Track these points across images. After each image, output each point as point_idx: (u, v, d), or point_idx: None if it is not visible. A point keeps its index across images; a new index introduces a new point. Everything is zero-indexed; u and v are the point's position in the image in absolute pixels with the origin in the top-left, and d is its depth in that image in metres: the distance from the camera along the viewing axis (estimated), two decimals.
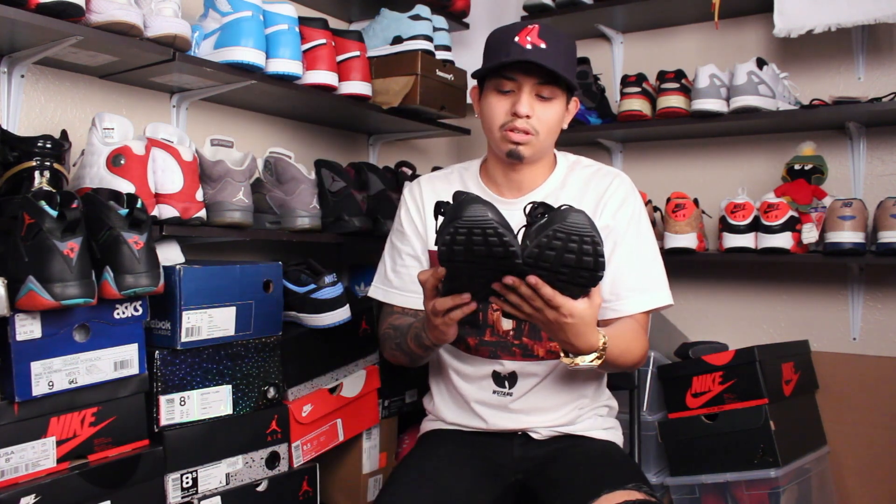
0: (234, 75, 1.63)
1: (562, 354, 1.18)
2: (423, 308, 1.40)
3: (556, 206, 1.37)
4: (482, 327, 1.37)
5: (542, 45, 1.27)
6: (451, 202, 1.06)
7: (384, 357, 1.48)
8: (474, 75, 1.37)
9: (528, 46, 1.27)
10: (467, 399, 1.41)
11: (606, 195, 1.38)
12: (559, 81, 1.30)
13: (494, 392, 1.39)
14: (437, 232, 1.08)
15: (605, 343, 1.16)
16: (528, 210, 1.11)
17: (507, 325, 1.37)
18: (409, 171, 2.16)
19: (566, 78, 1.28)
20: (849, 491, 2.09)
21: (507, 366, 1.38)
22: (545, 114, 1.32)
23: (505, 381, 1.39)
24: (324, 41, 1.79)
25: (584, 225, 1.01)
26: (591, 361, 1.16)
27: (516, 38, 1.28)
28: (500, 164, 1.40)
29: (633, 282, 1.34)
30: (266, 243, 2.06)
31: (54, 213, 1.14)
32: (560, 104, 1.33)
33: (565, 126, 1.39)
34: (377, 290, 1.48)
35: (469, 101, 2.15)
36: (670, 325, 2.26)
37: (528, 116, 1.30)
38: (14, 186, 1.33)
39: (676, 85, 2.17)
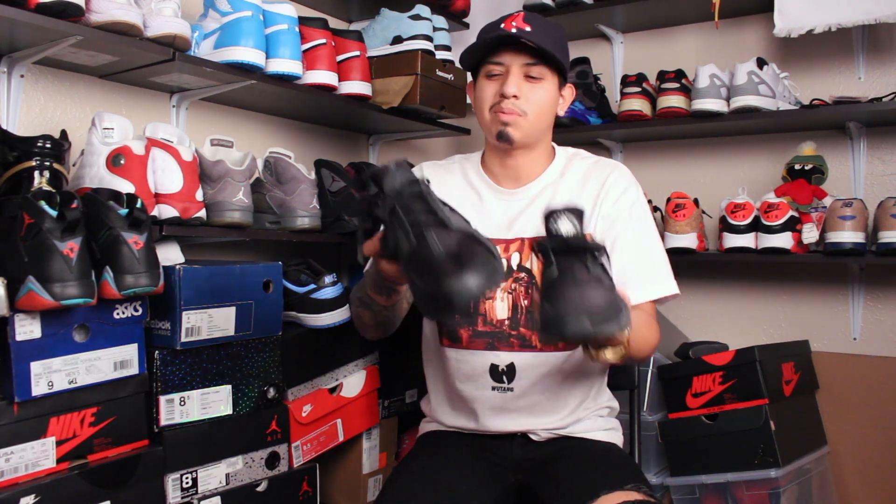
0: (233, 75, 1.63)
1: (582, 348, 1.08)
2: None
3: (554, 198, 1.36)
4: (474, 316, 1.34)
5: (528, 28, 1.28)
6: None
7: (355, 324, 1.41)
8: (463, 65, 1.38)
9: (514, 30, 1.28)
10: (466, 400, 1.39)
11: (606, 186, 1.37)
12: (547, 60, 1.29)
13: (494, 388, 1.35)
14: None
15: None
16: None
17: (501, 313, 1.34)
18: None
19: (553, 55, 1.28)
20: (849, 491, 2.09)
21: (503, 357, 1.34)
22: (534, 94, 1.31)
23: (503, 375, 1.35)
24: (324, 41, 1.79)
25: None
26: (614, 356, 1.02)
27: (501, 25, 1.29)
28: (495, 152, 1.40)
29: (639, 271, 1.32)
30: (266, 243, 2.05)
31: (54, 213, 1.14)
32: (550, 85, 1.33)
33: (561, 113, 1.38)
34: (367, 266, 1.37)
35: (469, 101, 2.15)
36: (670, 325, 2.26)
37: (515, 97, 1.29)
38: (14, 186, 1.33)
39: (676, 85, 2.17)
